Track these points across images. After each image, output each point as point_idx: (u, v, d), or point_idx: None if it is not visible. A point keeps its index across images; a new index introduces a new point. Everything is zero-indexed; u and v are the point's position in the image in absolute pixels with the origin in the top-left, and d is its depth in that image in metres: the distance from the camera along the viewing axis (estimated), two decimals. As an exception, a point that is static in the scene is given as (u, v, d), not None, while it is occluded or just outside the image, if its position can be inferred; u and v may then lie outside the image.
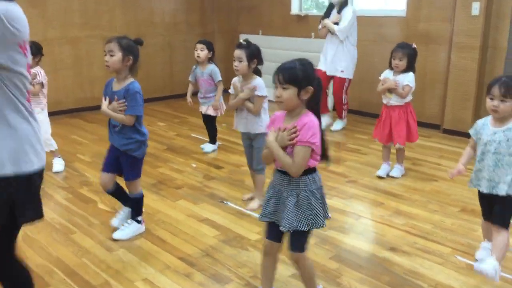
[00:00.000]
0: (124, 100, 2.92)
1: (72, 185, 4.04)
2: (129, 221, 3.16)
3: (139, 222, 3.18)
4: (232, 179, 4.20)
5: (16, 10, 1.74)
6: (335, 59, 5.58)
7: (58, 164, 4.39)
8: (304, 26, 6.95)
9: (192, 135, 5.55)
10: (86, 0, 6.59)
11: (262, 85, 3.37)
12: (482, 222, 2.89)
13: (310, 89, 2.11)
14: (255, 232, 3.21)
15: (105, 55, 2.91)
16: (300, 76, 2.08)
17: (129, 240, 3.10)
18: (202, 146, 5.03)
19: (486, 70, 5.29)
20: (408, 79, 3.99)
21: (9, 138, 1.79)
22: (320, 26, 5.66)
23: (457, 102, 5.38)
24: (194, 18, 7.76)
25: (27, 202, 1.89)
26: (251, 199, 3.69)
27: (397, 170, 4.22)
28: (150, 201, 3.69)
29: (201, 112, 4.95)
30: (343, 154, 4.85)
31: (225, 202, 3.70)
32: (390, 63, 4.06)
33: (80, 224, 3.33)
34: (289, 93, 2.09)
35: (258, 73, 3.43)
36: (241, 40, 3.39)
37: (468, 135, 5.28)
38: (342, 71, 5.58)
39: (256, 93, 3.33)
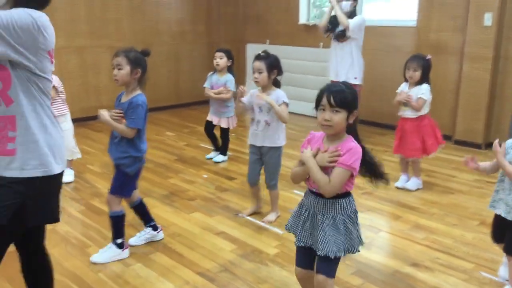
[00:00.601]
0: (120, 110, 2.86)
1: (84, 197, 3.98)
2: (108, 244, 3.03)
3: (120, 246, 3.00)
4: (245, 191, 4.13)
5: (47, 19, 1.82)
6: (345, 65, 5.52)
7: (68, 175, 4.33)
8: (312, 35, 6.93)
9: (202, 145, 5.50)
10: (93, 9, 6.56)
11: (284, 94, 3.32)
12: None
13: (356, 113, 2.08)
14: (273, 246, 3.15)
15: (113, 68, 2.85)
16: (350, 99, 2.04)
17: (146, 254, 3.04)
18: (210, 156, 4.97)
19: (498, 81, 5.26)
20: (422, 92, 3.95)
21: (43, 140, 1.87)
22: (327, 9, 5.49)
23: (469, 113, 5.34)
24: (200, 27, 7.74)
25: (43, 204, 1.94)
26: (252, 214, 3.64)
27: (412, 183, 4.16)
28: (164, 213, 3.63)
29: (209, 120, 4.88)
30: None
31: (240, 215, 3.64)
32: (404, 74, 4.02)
33: (94, 238, 3.27)
34: (340, 117, 2.03)
35: (277, 84, 3.37)
36: (260, 52, 3.33)
37: (479, 146, 5.31)
38: (355, 78, 5.46)
39: (283, 99, 3.28)
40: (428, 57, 4.00)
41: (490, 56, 5.10)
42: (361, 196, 3.99)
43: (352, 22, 5.27)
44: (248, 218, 3.58)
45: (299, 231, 2.20)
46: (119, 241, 2.99)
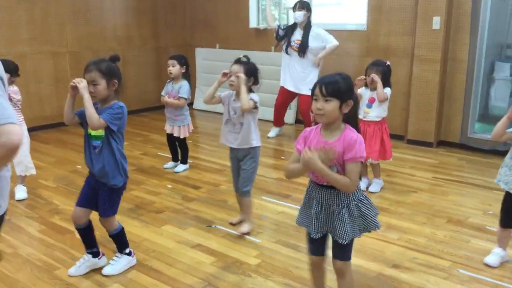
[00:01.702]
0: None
1: (42, 215, 3.73)
2: (117, 254, 2.91)
3: (129, 254, 2.95)
4: (214, 199, 4.05)
5: None
6: (300, 76, 5.60)
7: (21, 191, 4.05)
8: (263, 39, 6.93)
9: (159, 153, 5.33)
10: (33, 14, 6.19)
11: (257, 97, 3.24)
12: (499, 229, 2.96)
13: (351, 102, 2.13)
14: (253, 256, 3.09)
15: (89, 85, 2.67)
16: (342, 89, 2.10)
17: (122, 274, 2.87)
18: (167, 166, 4.83)
19: (446, 82, 5.48)
20: (385, 91, 4.03)
21: None
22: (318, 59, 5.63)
23: (420, 114, 5.54)
24: (147, 32, 7.53)
25: None
26: (240, 222, 3.57)
27: (375, 185, 4.24)
28: (133, 228, 3.47)
29: (166, 130, 4.73)
30: (319, 169, 4.83)
31: (213, 225, 3.54)
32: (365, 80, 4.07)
33: (62, 259, 3.06)
34: (332, 105, 2.09)
35: (251, 92, 3.30)
36: (241, 56, 3.25)
37: (431, 145, 5.52)
38: (310, 89, 5.55)
39: (254, 98, 3.20)
40: (388, 63, 4.09)
41: (439, 58, 5.31)
42: (330, 200, 4.01)
43: (334, 45, 5.52)
44: (222, 228, 3.49)
45: (313, 224, 2.27)
46: (127, 250, 2.93)
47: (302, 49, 5.54)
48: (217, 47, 7.47)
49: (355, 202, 2.21)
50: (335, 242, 2.26)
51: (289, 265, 2.98)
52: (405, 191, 4.22)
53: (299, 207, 3.77)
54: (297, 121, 6.76)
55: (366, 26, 5.94)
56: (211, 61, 7.53)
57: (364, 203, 2.24)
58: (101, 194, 2.76)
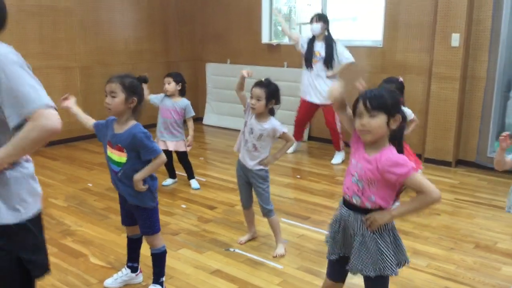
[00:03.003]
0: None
1: (54, 236, 3.60)
2: (152, 287, 2.78)
3: (161, 285, 2.81)
4: (230, 221, 3.92)
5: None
6: (321, 86, 5.50)
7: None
8: (276, 55, 6.84)
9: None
10: (43, 28, 6.12)
11: (279, 123, 3.17)
12: None
13: (399, 117, 1.94)
14: (276, 284, 2.94)
15: (106, 95, 2.59)
16: (389, 103, 1.92)
17: (140, 302, 2.74)
18: (166, 183, 4.71)
19: (465, 100, 5.37)
20: (408, 114, 3.92)
21: None
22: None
23: (438, 132, 5.41)
24: (158, 46, 7.45)
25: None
26: (249, 240, 3.49)
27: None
28: (146, 251, 3.31)
29: (169, 148, 4.52)
30: (337, 188, 4.70)
31: (231, 249, 3.41)
32: None
33: (76, 285, 2.92)
34: (378, 121, 1.90)
35: (272, 113, 3.20)
36: (262, 79, 3.16)
37: (450, 164, 5.38)
38: None
39: (282, 130, 3.16)
40: (400, 79, 3.97)
41: (458, 76, 5.20)
42: (351, 222, 3.87)
43: (348, 58, 5.45)
44: (242, 252, 3.36)
45: (330, 243, 2.15)
46: (161, 280, 2.80)
47: (329, 60, 5.44)
48: (228, 62, 7.38)
49: (374, 235, 1.99)
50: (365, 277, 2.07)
51: (314, 294, 2.84)
52: (429, 213, 4.07)
53: (319, 230, 3.71)
54: (310, 137, 6.64)
55: (382, 43, 5.85)
56: (222, 76, 7.44)
57: (386, 240, 2.00)
58: (139, 215, 2.70)
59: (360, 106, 1.94)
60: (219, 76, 7.50)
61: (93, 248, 3.42)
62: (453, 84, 5.24)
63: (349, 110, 2.12)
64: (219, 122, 7.54)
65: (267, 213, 3.32)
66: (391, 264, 2.00)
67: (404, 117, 1.96)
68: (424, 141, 5.56)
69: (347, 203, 2.07)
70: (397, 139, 1.99)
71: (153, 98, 4.52)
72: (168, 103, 4.48)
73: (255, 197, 3.37)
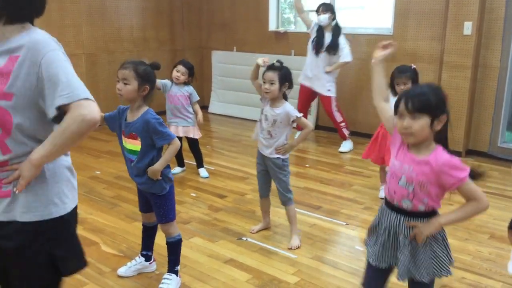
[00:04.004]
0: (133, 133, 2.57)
1: (64, 224, 3.56)
2: (168, 275, 2.74)
3: (177, 273, 2.77)
4: (241, 209, 3.88)
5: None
6: (321, 76, 5.47)
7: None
8: (283, 43, 6.76)
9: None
10: (49, 15, 6.04)
11: (293, 108, 3.12)
12: None
13: (444, 118, 1.82)
14: (291, 274, 2.91)
15: (118, 81, 2.54)
16: (433, 103, 1.79)
17: (154, 291, 2.71)
18: (174, 171, 4.60)
19: (476, 89, 5.31)
20: None
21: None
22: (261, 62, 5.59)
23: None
24: (163, 34, 7.37)
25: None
26: (262, 229, 3.46)
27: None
28: (161, 240, 3.26)
29: (179, 134, 4.48)
30: (346, 178, 4.65)
31: (244, 238, 3.37)
32: (392, 87, 3.83)
33: (89, 274, 2.89)
34: (421, 123, 1.78)
35: (285, 97, 3.15)
36: (274, 61, 3.09)
37: (460, 154, 5.33)
38: (329, 90, 5.51)
39: (295, 114, 3.08)
40: (413, 66, 3.89)
41: (470, 65, 5.13)
42: (363, 212, 3.83)
43: (347, 57, 5.44)
44: (254, 241, 3.32)
45: (377, 249, 1.99)
46: (177, 268, 2.77)
47: (334, 49, 5.41)
48: (234, 50, 7.31)
49: (429, 239, 1.89)
50: (411, 281, 1.98)
51: (330, 285, 2.81)
52: (442, 203, 4.02)
53: (331, 219, 3.68)
54: (317, 127, 6.58)
55: (392, 31, 5.77)
56: (228, 64, 7.37)
57: (439, 243, 1.92)
58: (154, 203, 2.66)
59: (402, 106, 1.82)
60: (225, 64, 7.43)
61: (104, 237, 3.39)
62: (464, 73, 5.18)
63: (387, 106, 2.04)
64: (225, 110, 7.48)
65: (286, 201, 3.27)
66: (446, 264, 1.93)
67: (449, 116, 1.84)
68: (434, 131, 5.51)
69: (395, 208, 1.93)
70: (441, 140, 1.87)
71: (163, 83, 4.41)
72: (175, 89, 4.43)
73: (273, 187, 3.32)
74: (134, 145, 2.57)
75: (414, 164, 1.85)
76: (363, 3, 6.54)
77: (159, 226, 2.80)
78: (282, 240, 3.34)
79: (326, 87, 5.54)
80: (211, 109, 7.64)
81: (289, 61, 6.51)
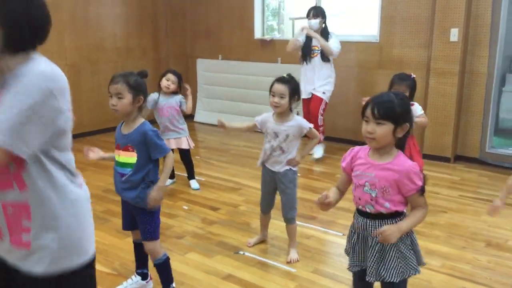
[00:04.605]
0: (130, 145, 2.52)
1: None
2: None
3: None
4: (235, 222, 3.81)
5: (59, 72, 1.46)
6: (315, 78, 5.42)
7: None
8: (269, 50, 6.73)
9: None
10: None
11: (305, 120, 3.09)
12: None
13: (407, 126, 1.93)
14: (292, 288, 2.86)
15: (110, 96, 2.48)
16: (398, 111, 1.90)
17: (153, 312, 2.63)
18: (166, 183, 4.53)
19: (464, 95, 5.35)
20: (419, 110, 3.89)
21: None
22: (300, 31, 5.45)
23: (437, 127, 5.37)
24: (147, 42, 7.27)
25: None
26: (258, 242, 3.40)
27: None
28: (155, 257, 3.21)
29: (171, 146, 4.43)
30: (339, 187, 4.62)
31: (241, 252, 3.30)
32: None
33: None
34: (384, 129, 1.90)
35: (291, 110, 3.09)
36: (284, 74, 3.02)
37: (448, 160, 5.36)
38: (324, 93, 5.46)
39: (308, 125, 3.05)
40: (413, 75, 3.91)
41: (457, 71, 5.17)
42: (359, 222, 3.80)
43: (335, 48, 5.31)
44: (252, 255, 3.26)
45: (351, 255, 2.11)
46: (173, 285, 2.71)
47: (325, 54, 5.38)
48: (219, 58, 7.24)
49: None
50: (382, 283, 2.06)
51: (333, 299, 2.76)
52: (435, 211, 4.02)
53: (327, 230, 3.64)
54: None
55: (379, 37, 5.79)
56: (214, 72, 7.30)
57: (406, 243, 2.01)
58: (141, 219, 2.58)
59: (368, 112, 1.92)
60: (211, 72, 7.36)
61: (98, 254, 3.27)
62: (452, 79, 5.21)
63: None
64: (210, 119, 7.38)
65: (291, 219, 3.20)
66: (413, 264, 2.02)
67: (411, 124, 1.96)
68: (422, 137, 5.53)
69: (361, 213, 2.04)
70: (400, 146, 1.99)
71: (153, 99, 4.29)
72: (162, 100, 4.32)
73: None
74: (129, 157, 2.52)
75: (377, 170, 1.95)
76: (348, 9, 6.56)
77: (144, 247, 2.68)
78: (280, 253, 3.28)
79: (322, 89, 5.46)
80: (197, 118, 7.55)
81: (275, 69, 6.55)
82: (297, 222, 3.71)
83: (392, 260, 1.98)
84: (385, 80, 5.73)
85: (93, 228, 1.58)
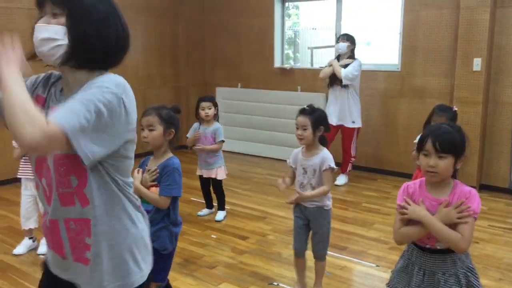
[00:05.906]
0: (156, 168, 2.51)
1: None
2: None
3: None
4: (265, 251, 3.79)
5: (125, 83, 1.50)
6: (344, 108, 5.47)
7: (42, 245, 3.72)
8: (289, 79, 6.79)
9: (192, 198, 5.06)
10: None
11: (331, 157, 2.98)
12: None
13: (466, 158, 1.95)
14: (331, 321, 2.82)
15: (142, 129, 2.50)
16: (458, 144, 1.91)
17: None
18: (201, 213, 4.57)
19: (487, 124, 5.35)
20: None
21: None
22: (326, 65, 5.58)
23: (461, 156, 5.36)
24: (167, 70, 7.38)
25: None
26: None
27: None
28: (188, 287, 3.19)
29: (201, 175, 4.50)
30: (366, 216, 4.60)
31: (275, 283, 3.27)
32: (428, 124, 3.82)
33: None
34: (447, 163, 1.88)
35: (323, 142, 3.04)
36: (305, 106, 3.02)
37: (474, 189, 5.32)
38: (353, 122, 5.50)
39: (330, 164, 2.93)
40: (455, 108, 3.87)
41: (480, 100, 5.19)
42: (390, 253, 3.75)
43: (345, 72, 5.35)
44: (286, 286, 3.23)
45: None
46: None
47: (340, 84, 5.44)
48: (239, 86, 7.32)
49: (463, 270, 1.96)
50: None
51: (374, 332, 2.72)
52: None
53: (360, 261, 3.60)
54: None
55: (400, 67, 5.83)
56: (233, 100, 7.36)
57: (474, 272, 1.99)
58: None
59: (429, 145, 1.89)
60: (230, 100, 7.42)
61: None
62: (475, 108, 5.23)
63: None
64: (230, 147, 7.40)
65: (323, 256, 3.09)
66: None
67: (468, 155, 1.97)
68: (446, 166, 5.51)
69: (422, 249, 1.99)
70: (454, 175, 1.98)
71: (195, 128, 4.41)
72: (200, 131, 4.37)
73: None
74: (154, 192, 2.50)
75: (439, 207, 1.93)
76: (369, 39, 6.63)
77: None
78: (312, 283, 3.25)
79: (350, 118, 5.51)
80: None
81: (295, 97, 6.61)
82: (329, 252, 3.69)
83: None
84: (406, 108, 5.79)
85: (150, 248, 1.59)
